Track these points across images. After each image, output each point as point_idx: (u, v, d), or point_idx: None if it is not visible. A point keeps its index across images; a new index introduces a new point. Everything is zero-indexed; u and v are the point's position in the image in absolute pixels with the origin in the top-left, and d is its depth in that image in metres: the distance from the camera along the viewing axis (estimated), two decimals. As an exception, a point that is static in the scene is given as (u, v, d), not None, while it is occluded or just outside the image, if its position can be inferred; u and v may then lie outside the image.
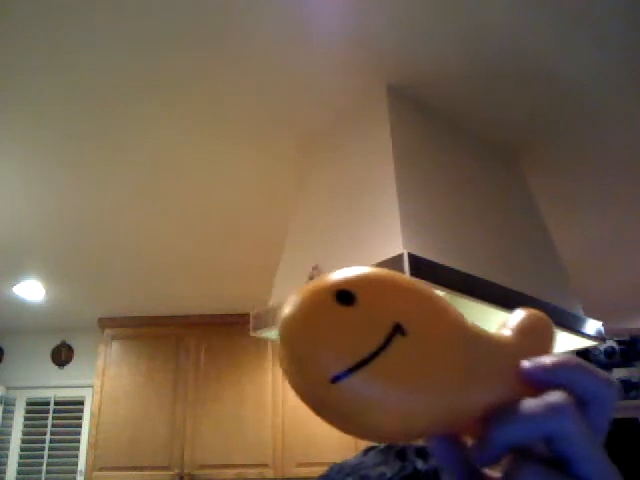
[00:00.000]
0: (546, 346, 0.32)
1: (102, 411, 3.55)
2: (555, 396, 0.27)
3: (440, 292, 1.44)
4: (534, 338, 0.32)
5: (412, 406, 0.27)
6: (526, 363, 0.29)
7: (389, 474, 0.53)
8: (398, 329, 0.27)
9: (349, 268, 0.29)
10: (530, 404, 0.27)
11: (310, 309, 0.27)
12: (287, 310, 0.28)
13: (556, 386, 0.28)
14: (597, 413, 0.29)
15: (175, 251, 2.88)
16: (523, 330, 0.32)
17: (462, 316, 0.30)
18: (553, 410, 0.27)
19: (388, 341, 0.26)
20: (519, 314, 0.33)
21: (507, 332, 0.32)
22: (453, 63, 1.68)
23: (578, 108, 1.89)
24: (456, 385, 0.28)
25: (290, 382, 0.28)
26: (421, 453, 0.54)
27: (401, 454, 0.54)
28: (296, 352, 0.27)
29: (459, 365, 0.28)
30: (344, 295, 0.27)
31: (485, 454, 0.28)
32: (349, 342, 0.26)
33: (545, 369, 0.29)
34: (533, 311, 0.33)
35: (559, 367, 0.29)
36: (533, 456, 0.28)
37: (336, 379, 0.26)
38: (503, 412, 0.28)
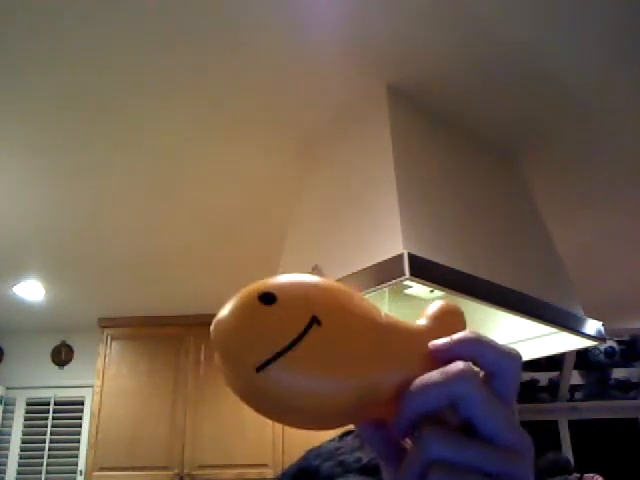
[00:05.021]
0: (456, 331, 0.35)
1: (102, 411, 3.54)
2: (455, 364, 0.30)
3: (440, 292, 1.45)
4: (445, 325, 0.34)
5: (329, 388, 0.29)
6: (433, 342, 0.32)
7: (365, 459, 0.55)
8: (314, 320, 0.30)
9: (274, 276, 0.33)
10: (433, 373, 0.30)
11: (237, 309, 0.31)
12: (219, 313, 0.31)
13: (461, 359, 0.31)
14: (501, 384, 0.31)
15: (175, 251, 2.88)
16: (435, 318, 0.35)
17: (376, 309, 0.33)
18: (454, 376, 0.29)
19: (305, 331, 0.29)
20: (433, 305, 0.36)
21: (421, 321, 0.35)
22: (453, 63, 1.68)
23: (578, 109, 1.89)
24: (368, 367, 0.31)
25: (223, 375, 0.31)
26: None
27: None
28: (226, 347, 0.30)
29: (370, 349, 0.31)
30: (266, 296, 0.30)
31: (399, 425, 0.30)
32: (271, 334, 0.29)
33: (448, 345, 0.32)
34: (445, 302, 0.36)
35: (461, 342, 0.31)
36: (442, 423, 0.30)
37: (260, 367, 0.29)
38: (411, 385, 0.30)
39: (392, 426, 0.31)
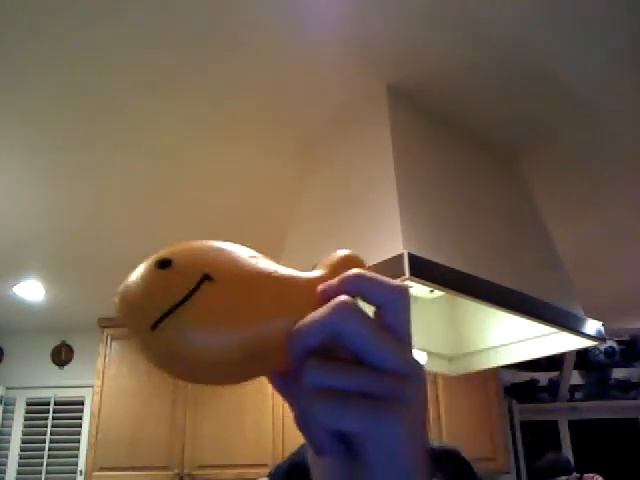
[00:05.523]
0: None
1: (102, 411, 3.54)
2: (336, 299, 0.31)
3: (440, 292, 1.45)
4: (343, 272, 0.35)
5: (225, 341, 0.30)
6: (320, 285, 0.33)
7: None
8: (206, 278, 0.31)
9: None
10: (317, 310, 0.31)
11: (137, 275, 0.32)
12: (123, 283, 0.33)
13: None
14: (391, 316, 0.32)
15: (175, 251, 2.88)
16: (332, 266, 0.36)
17: (271, 264, 0.34)
18: (334, 309, 0.30)
19: (196, 288, 0.31)
20: (331, 255, 0.37)
21: (318, 271, 0.36)
22: (453, 63, 1.68)
23: (578, 109, 1.89)
24: (263, 318, 0.32)
25: (130, 336, 0.32)
26: None
27: None
28: (126, 311, 0.32)
29: (264, 300, 0.32)
30: (162, 262, 0.32)
31: (292, 363, 0.31)
32: (165, 293, 0.31)
33: (334, 285, 0.33)
34: (346, 251, 0.38)
35: (345, 280, 0.32)
36: (331, 357, 0.30)
37: (155, 325, 0.30)
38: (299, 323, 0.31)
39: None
